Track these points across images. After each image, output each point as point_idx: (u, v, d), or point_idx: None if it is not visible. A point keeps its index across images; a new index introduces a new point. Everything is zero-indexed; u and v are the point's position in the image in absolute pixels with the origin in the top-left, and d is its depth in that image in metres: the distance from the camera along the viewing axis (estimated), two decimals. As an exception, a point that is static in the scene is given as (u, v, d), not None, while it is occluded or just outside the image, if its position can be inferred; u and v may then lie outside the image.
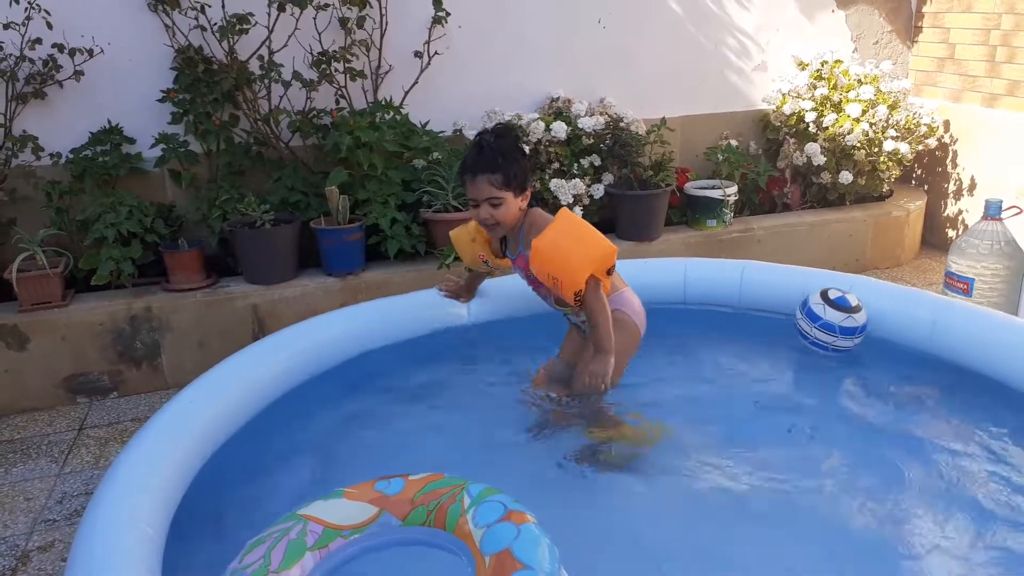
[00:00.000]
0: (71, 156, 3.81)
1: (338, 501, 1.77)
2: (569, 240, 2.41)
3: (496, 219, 2.46)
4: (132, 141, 3.92)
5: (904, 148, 4.72)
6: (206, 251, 3.88)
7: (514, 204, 2.47)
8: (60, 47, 3.68)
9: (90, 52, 3.76)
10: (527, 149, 4.20)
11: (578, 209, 4.22)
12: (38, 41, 3.64)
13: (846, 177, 4.72)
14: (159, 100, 3.89)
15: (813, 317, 2.97)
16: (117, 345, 3.62)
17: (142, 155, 3.94)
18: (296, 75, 3.96)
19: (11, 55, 3.63)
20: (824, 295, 2.99)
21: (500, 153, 2.43)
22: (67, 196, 3.78)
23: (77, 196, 3.80)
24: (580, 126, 4.33)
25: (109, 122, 3.90)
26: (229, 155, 3.99)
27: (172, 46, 3.86)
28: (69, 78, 3.75)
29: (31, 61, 3.67)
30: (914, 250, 5.05)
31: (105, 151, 3.84)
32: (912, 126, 4.80)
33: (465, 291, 3.16)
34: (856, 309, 2.95)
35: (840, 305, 2.95)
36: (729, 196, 4.49)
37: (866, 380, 3.01)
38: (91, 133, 3.87)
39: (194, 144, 3.96)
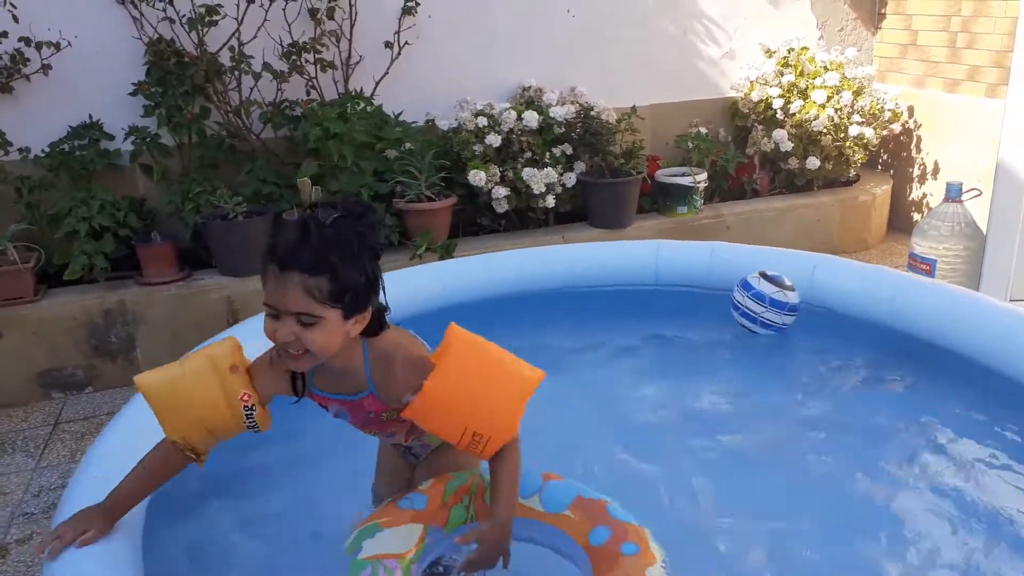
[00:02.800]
0: (47, 150, 3.78)
1: (383, 533, 1.75)
2: (490, 378, 1.68)
3: (305, 346, 1.55)
4: (111, 137, 3.90)
5: (869, 133, 4.81)
6: (180, 244, 3.87)
7: (339, 330, 1.57)
8: (27, 40, 3.65)
9: (57, 46, 3.72)
10: (498, 140, 4.19)
11: (551, 198, 4.26)
12: (3, 35, 3.61)
13: (813, 162, 4.81)
14: (131, 93, 3.87)
15: (746, 287, 3.12)
16: (91, 339, 3.61)
17: (120, 151, 3.91)
18: (266, 66, 3.97)
19: (-24, 49, 3.60)
20: (762, 273, 3.12)
21: (335, 244, 1.51)
22: (38, 191, 3.75)
23: (48, 191, 3.77)
24: (551, 115, 4.37)
25: (90, 117, 3.88)
26: (202, 148, 3.98)
27: (141, 38, 3.84)
28: (36, 72, 3.72)
29: (-3, 55, 3.64)
30: (881, 233, 5.15)
31: (83, 145, 3.81)
32: (877, 111, 4.89)
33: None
34: (790, 288, 3.07)
35: (774, 280, 3.08)
36: (699, 183, 4.56)
37: (824, 356, 3.11)
38: (70, 127, 3.85)
39: (166, 137, 3.94)
